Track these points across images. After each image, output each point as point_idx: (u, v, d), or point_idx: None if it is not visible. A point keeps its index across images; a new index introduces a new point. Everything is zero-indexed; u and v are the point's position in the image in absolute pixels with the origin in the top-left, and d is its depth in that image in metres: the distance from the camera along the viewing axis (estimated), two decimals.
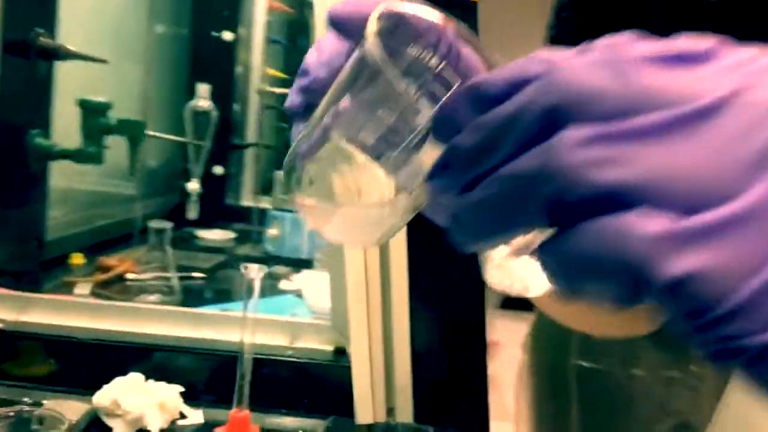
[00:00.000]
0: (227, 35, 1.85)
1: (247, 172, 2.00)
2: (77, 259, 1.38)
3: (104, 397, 0.76)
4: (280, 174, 1.64)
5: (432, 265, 0.82)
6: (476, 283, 0.84)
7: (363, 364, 0.80)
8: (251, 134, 1.99)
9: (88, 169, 1.34)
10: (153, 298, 1.20)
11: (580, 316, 0.58)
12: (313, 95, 0.33)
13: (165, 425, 0.77)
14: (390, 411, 0.83)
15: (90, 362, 0.85)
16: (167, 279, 1.24)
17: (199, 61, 1.85)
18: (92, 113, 0.99)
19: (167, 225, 1.23)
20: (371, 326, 0.80)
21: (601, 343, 1.25)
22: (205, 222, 1.70)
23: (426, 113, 0.29)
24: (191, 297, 1.27)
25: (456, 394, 0.84)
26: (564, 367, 1.29)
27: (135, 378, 0.79)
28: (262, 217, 1.72)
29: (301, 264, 1.50)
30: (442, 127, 0.25)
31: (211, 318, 0.90)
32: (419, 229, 0.83)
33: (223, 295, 1.38)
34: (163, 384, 0.80)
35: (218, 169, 1.82)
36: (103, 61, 1.07)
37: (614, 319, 0.58)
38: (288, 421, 0.81)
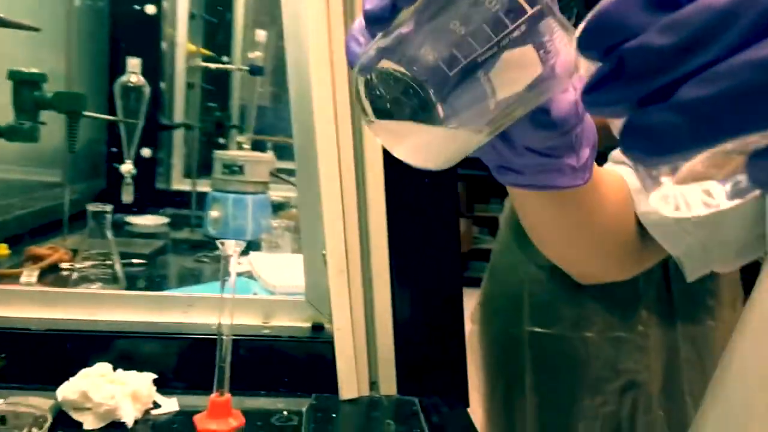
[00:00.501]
0: (150, 8, 1.75)
1: (177, 154, 1.90)
2: (1, 250, 1.26)
3: (71, 390, 0.70)
4: (218, 153, 1.57)
5: (411, 235, 0.81)
6: (454, 254, 0.83)
7: (346, 337, 0.78)
8: (179, 114, 1.89)
9: (3, 153, 1.23)
10: (95, 287, 1.12)
11: (580, 259, 0.58)
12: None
13: (139, 415, 0.72)
14: (373, 384, 0.81)
15: (47, 355, 0.78)
16: (108, 266, 1.16)
17: (122, 36, 1.74)
18: (25, 86, 0.90)
19: (107, 208, 1.15)
20: (352, 298, 0.78)
21: (552, 309, 1.28)
22: (135, 208, 1.61)
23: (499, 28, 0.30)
24: (136, 284, 1.19)
25: (437, 364, 0.83)
26: (517, 334, 1.32)
27: (103, 368, 0.73)
28: (200, 200, 1.64)
29: (246, 246, 1.45)
30: (603, 32, 0.23)
31: (176, 300, 0.85)
32: (398, 199, 0.82)
33: (169, 281, 1.31)
34: (133, 373, 0.74)
35: (146, 152, 1.72)
36: (35, 29, 0.98)
37: (611, 261, 0.59)
38: (269, 402, 0.78)
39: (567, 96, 0.36)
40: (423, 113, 0.31)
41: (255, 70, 1.48)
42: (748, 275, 0.68)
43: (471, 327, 1.46)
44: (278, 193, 1.77)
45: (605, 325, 1.25)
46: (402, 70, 0.31)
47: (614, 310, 1.25)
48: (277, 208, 1.72)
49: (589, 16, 0.24)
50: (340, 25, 0.75)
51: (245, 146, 1.56)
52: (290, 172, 1.88)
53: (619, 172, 0.58)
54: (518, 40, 0.30)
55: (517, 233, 1.37)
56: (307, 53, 0.76)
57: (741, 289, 1.35)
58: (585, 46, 0.25)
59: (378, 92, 0.32)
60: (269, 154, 1.57)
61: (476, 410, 1.29)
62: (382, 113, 0.32)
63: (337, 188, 0.76)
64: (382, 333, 0.80)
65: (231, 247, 0.75)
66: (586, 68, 0.28)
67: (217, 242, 0.76)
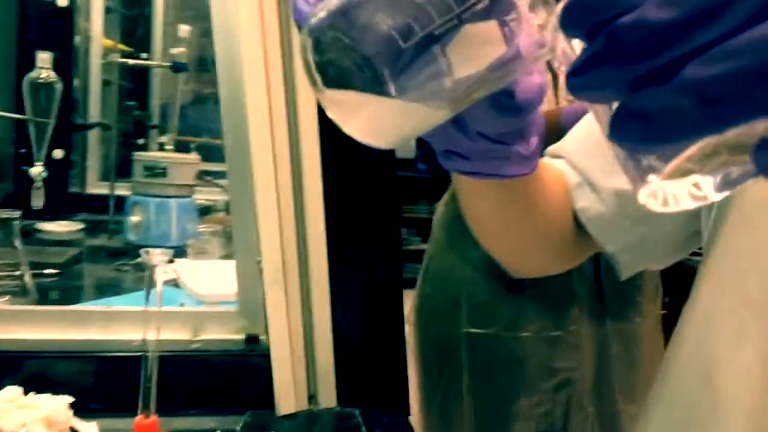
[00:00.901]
0: (61, 0, 1.64)
1: (92, 155, 1.79)
2: None
3: None
4: (139, 155, 1.49)
5: (350, 241, 0.77)
6: (395, 260, 0.81)
7: (283, 349, 0.74)
8: (95, 113, 1.78)
9: None
10: (2, 301, 1.03)
11: (518, 252, 0.57)
12: None
13: None
14: (311, 398, 0.77)
15: None
16: (17, 278, 1.07)
17: (31, 28, 1.61)
18: None
19: (15, 214, 1.05)
20: (290, 307, 0.74)
21: (490, 310, 1.28)
22: (46, 213, 1.50)
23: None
24: (48, 297, 1.11)
25: (378, 373, 0.80)
26: (454, 335, 1.31)
27: (12, 392, 0.66)
28: (118, 204, 1.54)
29: (171, 253, 1.38)
30: (590, 9, 0.21)
31: (95, 315, 0.78)
32: (337, 204, 0.78)
33: (85, 293, 1.22)
34: (47, 396, 0.67)
35: (58, 153, 1.61)
36: None
37: (548, 255, 0.58)
38: (200, 422, 0.73)
39: (532, 78, 0.34)
40: (375, 85, 0.29)
41: (178, 67, 1.41)
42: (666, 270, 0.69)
43: (407, 329, 1.45)
44: (204, 196, 1.69)
45: (541, 325, 1.26)
46: (352, 38, 0.28)
47: (549, 310, 1.26)
48: (203, 212, 1.64)
49: None
50: (274, 17, 0.71)
51: (168, 147, 1.48)
52: (217, 174, 1.81)
53: (557, 166, 0.57)
54: (481, 14, 0.28)
55: (452, 235, 1.36)
56: (237, 47, 0.72)
57: (660, 283, 1.39)
58: (569, 24, 0.22)
59: (328, 58, 0.29)
60: (194, 156, 1.50)
61: (414, 412, 1.28)
62: (332, 82, 0.29)
63: (272, 193, 0.72)
64: (321, 343, 0.76)
65: (156, 255, 0.70)
66: (564, 49, 0.25)
67: (141, 251, 0.70)
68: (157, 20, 1.89)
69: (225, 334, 0.79)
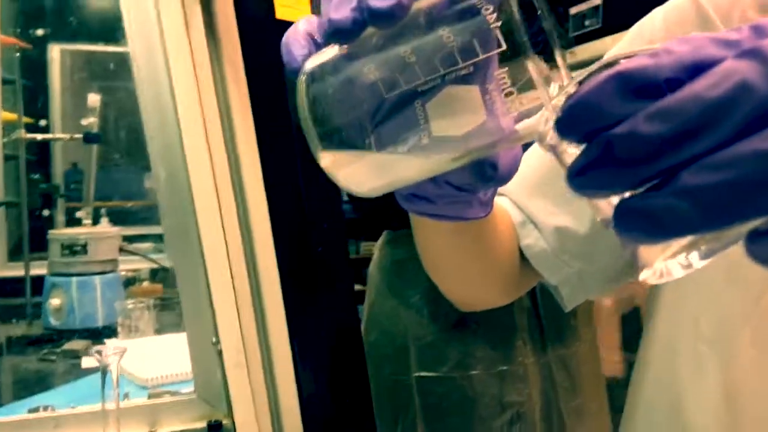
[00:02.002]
0: None
1: None
2: None
3: None
4: (54, 233, 1.40)
5: (310, 314, 0.76)
6: (355, 326, 0.80)
7: None
8: None
9: None
10: None
11: (470, 287, 0.60)
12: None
13: None
14: None
15: None
16: None
17: None
18: None
19: None
20: (254, 388, 0.71)
21: (437, 351, 1.29)
22: None
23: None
24: None
25: None
26: (405, 380, 1.31)
27: None
28: (35, 286, 1.44)
29: (99, 334, 1.30)
30: (582, 119, 0.23)
31: (39, 422, 0.72)
32: (293, 279, 0.77)
33: (3, 391, 1.13)
34: None
35: None
36: None
37: (497, 288, 0.61)
38: None
39: (514, 152, 0.36)
40: (357, 137, 0.30)
41: (90, 138, 1.35)
42: None
43: None
44: (125, 266, 1.61)
45: (489, 361, 1.27)
46: (340, 88, 0.30)
47: (495, 345, 1.28)
48: (127, 284, 1.56)
49: (568, 101, 0.24)
50: (208, 75, 0.69)
51: (86, 222, 1.40)
52: (131, 239, 1.74)
53: (501, 204, 0.60)
54: (464, 79, 0.29)
55: (390, 280, 1.36)
56: (168, 110, 0.69)
57: (592, 307, 1.45)
58: (564, 131, 0.24)
59: (320, 111, 0.30)
60: (115, 228, 1.43)
61: None
62: (324, 139, 0.31)
63: (227, 274, 0.69)
64: (289, 422, 0.73)
65: (110, 352, 0.65)
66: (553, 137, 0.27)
67: (93, 350, 0.65)
68: (54, 90, 1.82)
69: (185, 423, 0.75)
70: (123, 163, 2.10)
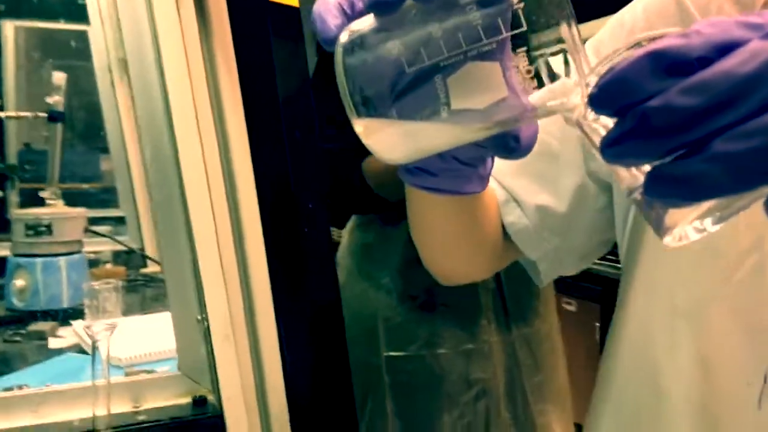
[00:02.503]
0: None
1: None
2: None
3: None
4: (18, 213, 1.37)
5: (294, 289, 0.78)
6: (336, 301, 0.82)
7: (238, 408, 0.72)
8: None
9: None
10: None
11: (458, 260, 0.63)
12: None
13: None
14: None
15: None
16: None
17: None
18: None
19: None
20: (241, 364, 0.73)
21: (406, 331, 1.32)
22: None
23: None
24: None
25: (330, 419, 0.81)
26: (375, 361, 1.34)
27: None
28: None
29: (66, 315, 1.28)
30: (618, 94, 0.26)
31: (22, 400, 0.72)
32: (279, 255, 0.78)
33: None
34: None
35: None
36: None
37: (481, 262, 0.64)
38: None
39: (533, 125, 0.38)
40: (381, 106, 0.32)
41: (55, 116, 1.32)
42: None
43: None
44: (88, 248, 1.58)
45: (455, 340, 1.31)
46: (367, 61, 0.32)
47: (462, 324, 1.32)
48: (89, 266, 1.54)
49: (603, 78, 0.26)
50: (199, 61, 0.70)
51: (50, 202, 1.38)
52: (96, 222, 1.71)
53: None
54: (486, 55, 0.31)
55: (360, 263, 1.39)
56: (157, 92, 0.70)
57: (553, 287, 1.51)
58: (599, 104, 0.27)
59: (352, 82, 0.32)
60: (81, 209, 1.40)
61: None
62: (357, 107, 0.32)
63: (214, 248, 0.71)
64: (274, 396, 0.75)
65: (100, 329, 0.66)
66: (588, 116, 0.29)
67: (83, 327, 0.66)
68: (9, 67, 1.77)
69: (170, 399, 0.76)
70: (78, 145, 2.05)
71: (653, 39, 0.28)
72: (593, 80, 0.29)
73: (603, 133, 0.30)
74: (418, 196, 0.54)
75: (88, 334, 0.66)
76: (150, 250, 1.60)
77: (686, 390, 0.54)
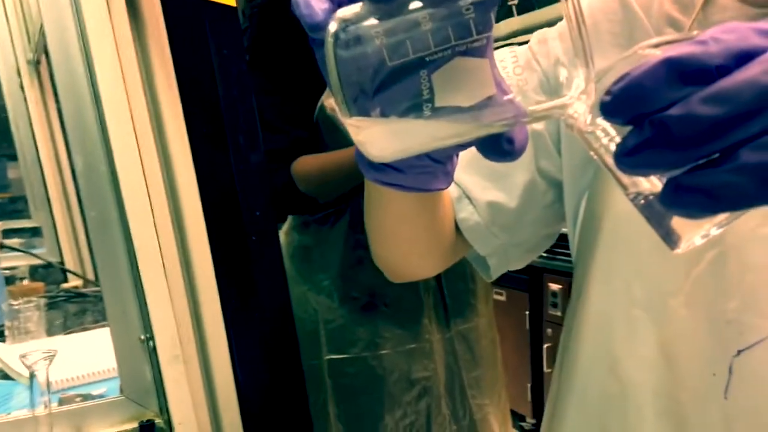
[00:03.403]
0: None
1: None
2: None
3: None
4: None
5: (244, 300, 0.74)
6: (287, 308, 0.79)
7: (190, 430, 0.68)
8: None
9: None
10: None
11: (414, 256, 0.62)
12: None
13: None
14: None
15: None
16: None
17: None
18: None
19: None
20: (192, 385, 0.69)
21: (347, 333, 1.30)
22: None
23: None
24: None
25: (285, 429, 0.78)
26: (317, 365, 1.31)
27: None
28: None
29: None
30: (633, 101, 0.25)
31: None
32: (226, 265, 0.74)
33: None
34: None
35: None
36: None
37: (436, 258, 0.63)
38: None
39: (525, 128, 0.37)
40: (364, 102, 0.30)
41: None
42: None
43: None
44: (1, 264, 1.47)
45: (397, 340, 1.31)
46: (357, 51, 0.29)
47: (403, 324, 1.31)
48: (5, 282, 1.43)
49: (616, 84, 0.25)
50: (137, 76, 0.65)
51: None
52: (7, 234, 1.60)
53: None
54: (475, 51, 0.29)
55: (300, 264, 1.36)
56: (85, 88, 0.65)
57: (490, 285, 1.53)
58: (612, 112, 0.26)
59: (345, 71, 0.30)
60: None
61: None
62: (347, 99, 0.30)
63: (158, 261, 0.66)
64: (228, 416, 0.72)
65: (37, 358, 0.60)
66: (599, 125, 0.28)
67: (19, 357, 0.60)
68: None
69: (114, 426, 0.71)
70: None
71: (657, 45, 0.27)
72: (592, 87, 0.29)
73: (603, 139, 0.30)
74: (378, 191, 0.52)
75: (24, 365, 0.60)
76: (70, 263, 1.51)
77: (651, 380, 0.55)
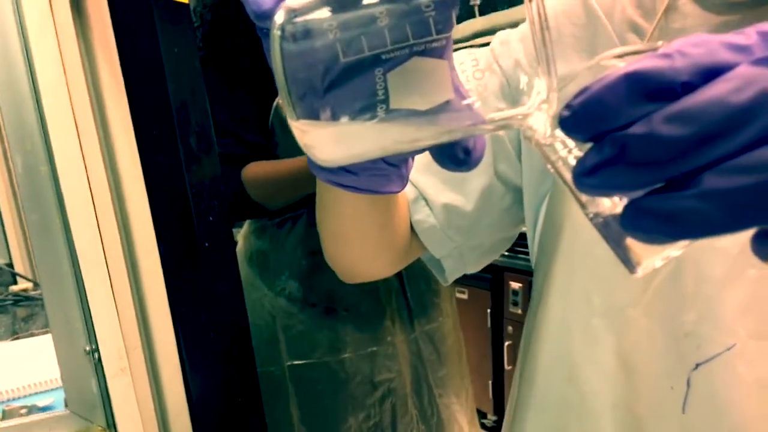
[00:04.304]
0: None
1: None
2: None
3: None
4: None
5: (196, 309, 0.71)
6: (242, 315, 0.77)
7: None
8: None
9: None
10: None
11: (368, 258, 0.60)
12: None
13: None
14: None
15: None
16: None
17: None
18: None
19: None
20: (139, 397, 0.66)
21: (308, 338, 1.28)
22: None
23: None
24: None
25: None
26: (277, 371, 1.29)
27: None
28: None
29: None
30: (593, 118, 0.23)
31: None
32: (177, 273, 0.71)
33: None
34: None
35: None
36: None
37: (390, 259, 0.62)
38: None
39: (483, 137, 0.35)
40: (321, 103, 0.27)
41: None
42: None
43: None
44: None
45: (359, 343, 1.29)
46: (307, 47, 0.27)
47: (364, 328, 1.30)
48: None
49: (576, 98, 0.23)
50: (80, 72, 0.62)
51: None
52: None
53: None
54: (434, 52, 0.27)
55: (258, 269, 1.33)
56: (25, 87, 0.61)
57: (453, 286, 1.53)
58: (571, 128, 0.24)
59: (292, 69, 0.27)
60: None
61: None
62: (295, 99, 0.28)
63: (103, 269, 0.63)
64: (178, 428, 0.69)
65: None
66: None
67: None
68: None
69: None
70: None
71: (621, 56, 0.26)
72: (554, 97, 0.27)
73: (561, 151, 0.28)
74: (330, 191, 0.51)
75: None
76: (19, 266, 1.45)
77: (609, 390, 0.55)
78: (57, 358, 0.70)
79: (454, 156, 0.33)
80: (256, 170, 1.20)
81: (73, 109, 0.62)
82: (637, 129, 0.22)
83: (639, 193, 0.23)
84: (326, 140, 0.29)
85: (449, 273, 0.67)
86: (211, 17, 1.19)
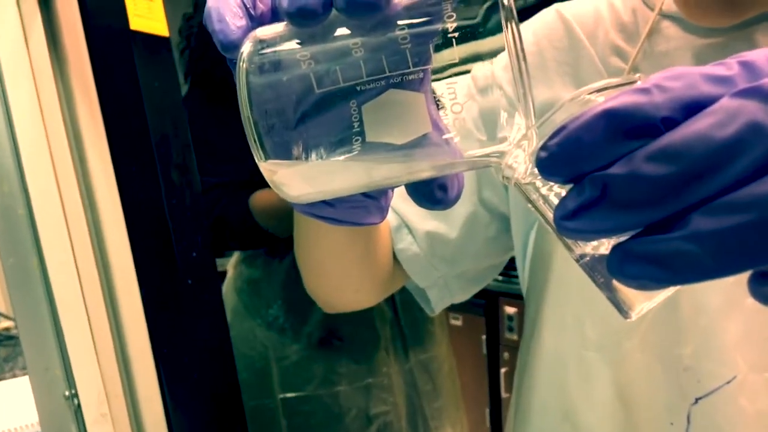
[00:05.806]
0: None
1: None
2: None
3: None
4: None
5: (182, 350, 0.69)
6: (230, 358, 0.74)
7: None
8: None
9: None
10: None
11: (349, 289, 0.59)
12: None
13: None
14: None
15: None
16: None
17: None
18: None
19: None
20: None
21: (301, 370, 1.25)
22: None
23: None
24: None
25: None
26: (269, 404, 1.26)
27: None
28: None
29: None
30: (570, 159, 0.21)
31: None
32: (159, 314, 0.69)
33: None
34: None
35: None
36: None
37: (373, 289, 0.60)
38: None
39: (461, 175, 0.33)
40: (289, 138, 0.26)
41: None
42: None
43: None
44: None
45: (354, 376, 1.26)
46: (276, 79, 0.26)
47: (359, 359, 1.27)
48: None
49: (551, 138, 0.22)
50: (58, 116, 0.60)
51: None
52: None
53: None
54: (411, 84, 0.26)
55: (249, 298, 1.30)
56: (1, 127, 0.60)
57: (445, 311, 1.51)
58: (549, 170, 0.22)
59: (259, 102, 0.26)
60: None
61: None
62: (260, 134, 0.26)
63: (81, 312, 0.61)
64: None
65: None
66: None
67: None
68: None
69: None
70: None
71: (601, 90, 0.25)
72: (533, 134, 0.26)
73: (542, 189, 0.27)
74: (308, 223, 0.50)
75: None
76: (0, 304, 1.42)
77: (607, 427, 0.53)
78: (35, 403, 0.67)
79: (431, 194, 0.31)
80: (268, 197, 1.18)
81: (50, 148, 0.61)
82: (617, 169, 0.21)
83: (625, 236, 0.22)
84: (296, 178, 0.27)
85: (435, 303, 0.65)
86: (198, 37, 1.18)
